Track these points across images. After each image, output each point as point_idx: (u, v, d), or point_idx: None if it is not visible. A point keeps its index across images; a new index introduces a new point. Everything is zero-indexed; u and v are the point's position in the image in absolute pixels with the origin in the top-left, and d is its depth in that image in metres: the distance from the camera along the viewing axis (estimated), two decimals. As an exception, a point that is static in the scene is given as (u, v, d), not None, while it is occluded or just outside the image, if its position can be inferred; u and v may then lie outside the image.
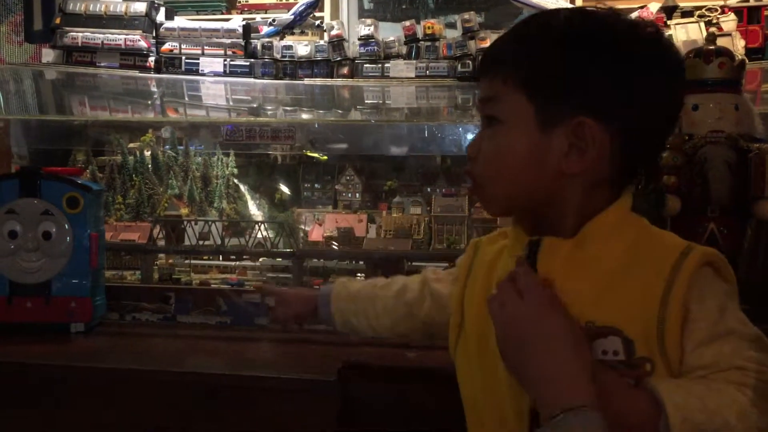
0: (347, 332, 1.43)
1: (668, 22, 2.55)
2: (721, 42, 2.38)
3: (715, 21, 2.50)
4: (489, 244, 1.12)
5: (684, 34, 2.51)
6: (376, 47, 2.58)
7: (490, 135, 1.00)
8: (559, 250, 0.97)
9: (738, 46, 2.43)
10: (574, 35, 0.96)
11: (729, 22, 2.47)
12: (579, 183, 0.96)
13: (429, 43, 2.58)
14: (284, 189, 2.78)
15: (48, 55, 2.71)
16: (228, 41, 2.63)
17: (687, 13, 2.55)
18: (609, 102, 0.94)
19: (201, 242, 2.31)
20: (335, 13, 2.98)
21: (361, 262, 2.32)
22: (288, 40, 2.66)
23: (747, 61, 1.63)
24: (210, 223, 2.35)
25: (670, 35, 2.52)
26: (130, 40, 2.63)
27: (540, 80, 0.95)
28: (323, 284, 2.23)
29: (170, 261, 2.36)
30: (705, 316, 0.91)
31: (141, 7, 2.65)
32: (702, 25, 2.50)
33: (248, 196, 2.73)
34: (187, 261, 2.36)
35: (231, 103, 2.67)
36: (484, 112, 1.01)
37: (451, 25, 2.83)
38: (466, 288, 1.11)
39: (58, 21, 2.70)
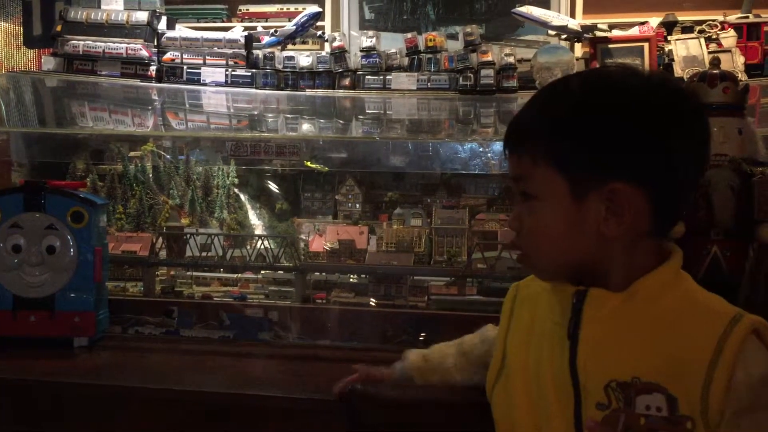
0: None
1: (668, 38, 2.57)
2: (720, 58, 2.41)
3: (715, 37, 2.52)
4: (527, 288, 1.17)
5: (684, 49, 2.52)
6: (377, 59, 2.58)
7: (529, 211, 1.04)
8: (606, 302, 1.01)
9: (738, 62, 2.45)
10: (594, 105, 0.99)
11: (729, 38, 2.49)
12: (620, 242, 1.00)
13: (430, 56, 2.58)
14: (284, 199, 2.77)
15: (49, 62, 2.70)
16: (230, 51, 2.63)
17: (687, 29, 2.57)
18: (638, 164, 0.96)
19: (203, 254, 2.30)
20: (336, 23, 2.98)
21: (364, 276, 2.32)
22: (290, 51, 2.66)
23: (749, 85, 1.62)
24: (212, 236, 2.34)
25: (670, 50, 2.54)
26: (132, 49, 2.62)
27: (567, 154, 0.99)
28: (326, 298, 2.25)
29: (172, 273, 2.36)
30: (748, 384, 0.92)
31: (143, 16, 2.65)
32: (702, 40, 2.51)
33: (248, 206, 2.73)
34: (189, 273, 2.36)
35: (232, 113, 2.67)
36: (518, 188, 1.06)
37: (452, 36, 2.84)
38: (509, 331, 1.16)
39: (59, 28, 2.69)
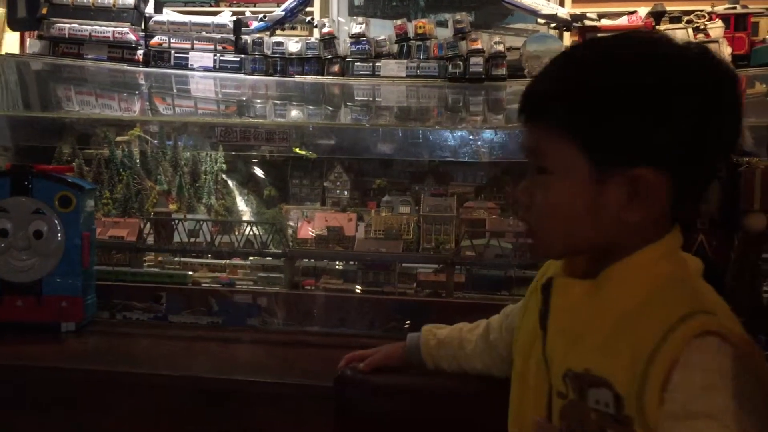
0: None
1: (656, 27, 2.58)
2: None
3: (702, 27, 2.54)
4: (556, 264, 1.10)
5: (672, 39, 2.53)
6: (367, 46, 2.57)
7: (543, 186, 0.96)
8: (572, 290, 0.97)
9: (725, 53, 2.46)
10: (626, 82, 0.90)
11: (716, 29, 2.51)
12: (636, 226, 0.93)
13: (420, 43, 2.58)
14: (272, 185, 2.77)
15: (34, 45, 2.67)
16: (218, 36, 2.61)
17: (675, 19, 2.58)
18: (666, 150, 0.89)
19: (191, 240, 2.30)
20: (325, 9, 2.97)
21: (352, 263, 2.32)
22: (279, 37, 2.64)
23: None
24: (200, 222, 2.34)
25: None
26: (119, 33, 2.60)
27: (593, 134, 0.91)
28: (315, 285, 2.25)
29: (160, 258, 2.36)
30: (685, 388, 0.82)
31: (130, 0, 2.62)
32: (690, 31, 2.53)
33: (236, 192, 2.72)
34: (176, 259, 2.35)
35: (221, 99, 2.65)
36: (533, 161, 0.98)
37: (442, 23, 2.84)
38: (527, 305, 1.13)
39: (44, 11, 2.66)
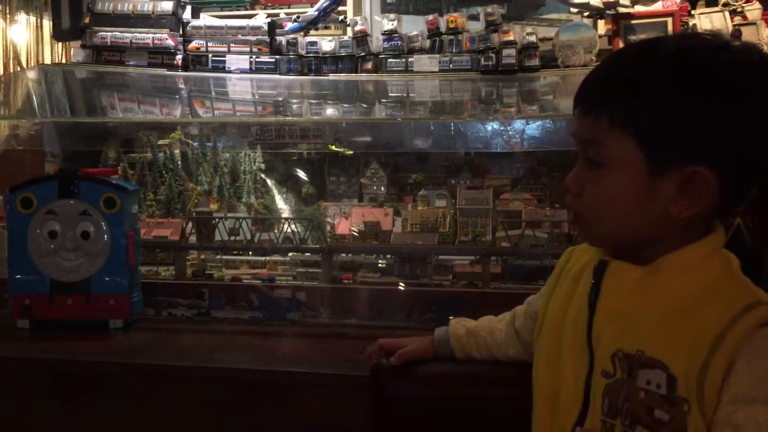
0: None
1: (692, 11, 2.55)
2: (745, 31, 2.39)
3: (739, 9, 2.49)
4: (581, 252, 1.15)
5: (708, 23, 2.50)
6: (399, 42, 2.59)
7: (595, 178, 0.99)
8: (626, 274, 1.00)
9: (763, 35, 2.42)
10: (689, 79, 0.93)
11: (754, 10, 2.46)
12: (683, 221, 0.96)
13: (452, 37, 2.59)
14: (310, 183, 2.81)
15: (78, 54, 2.76)
16: (253, 38, 2.66)
17: (711, 2, 2.54)
18: (724, 149, 0.92)
19: (232, 238, 2.36)
20: (357, 8, 3.00)
21: (389, 257, 2.35)
22: (312, 36, 2.68)
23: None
24: (240, 219, 2.40)
25: (694, 24, 2.52)
26: (158, 39, 2.67)
27: (652, 129, 0.94)
28: (352, 279, 2.29)
29: (202, 256, 2.42)
30: (749, 373, 0.87)
31: (168, 6, 2.69)
32: (726, 14, 2.48)
33: (275, 191, 2.78)
34: (218, 257, 2.41)
35: (257, 100, 2.71)
36: (586, 153, 1.01)
37: (474, 17, 2.84)
38: (554, 290, 1.16)
39: (87, 20, 2.75)
